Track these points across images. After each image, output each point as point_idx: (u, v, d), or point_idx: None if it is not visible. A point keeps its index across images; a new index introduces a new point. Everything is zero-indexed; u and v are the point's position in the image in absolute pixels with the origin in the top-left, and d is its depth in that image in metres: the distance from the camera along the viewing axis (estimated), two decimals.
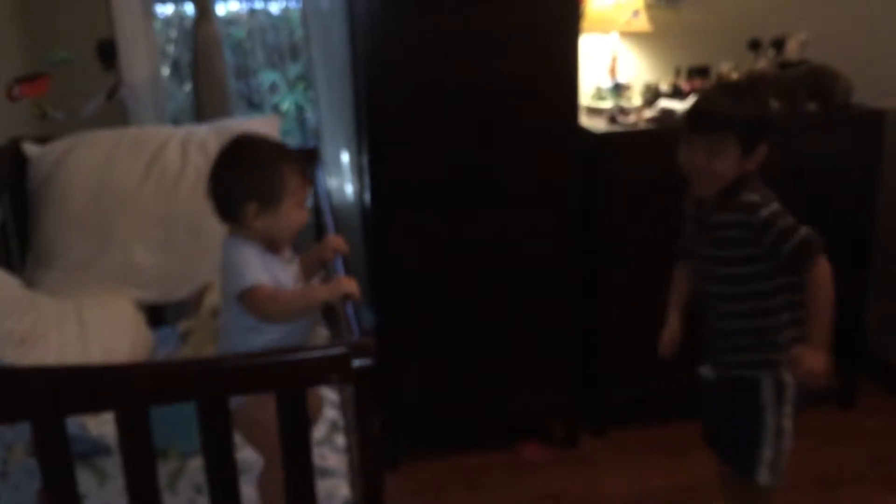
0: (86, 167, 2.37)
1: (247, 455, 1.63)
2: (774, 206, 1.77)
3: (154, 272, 2.39)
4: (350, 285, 1.55)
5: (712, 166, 1.76)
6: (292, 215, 1.56)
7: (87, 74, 2.48)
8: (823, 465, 2.57)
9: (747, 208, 1.76)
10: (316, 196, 2.64)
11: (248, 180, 1.53)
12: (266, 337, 1.54)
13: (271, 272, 1.54)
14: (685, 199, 1.93)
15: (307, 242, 2.14)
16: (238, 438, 1.36)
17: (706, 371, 1.96)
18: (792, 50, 2.66)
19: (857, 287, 2.78)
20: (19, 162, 2.45)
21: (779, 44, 2.70)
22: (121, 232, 2.37)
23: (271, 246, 1.59)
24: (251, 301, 1.50)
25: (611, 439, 2.74)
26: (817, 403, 2.83)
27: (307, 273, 1.74)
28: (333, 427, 2.01)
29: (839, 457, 2.61)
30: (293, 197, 1.55)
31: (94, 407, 1.37)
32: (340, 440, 1.97)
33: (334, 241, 1.82)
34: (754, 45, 2.74)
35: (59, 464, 1.27)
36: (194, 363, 1.36)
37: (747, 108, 1.77)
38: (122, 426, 1.27)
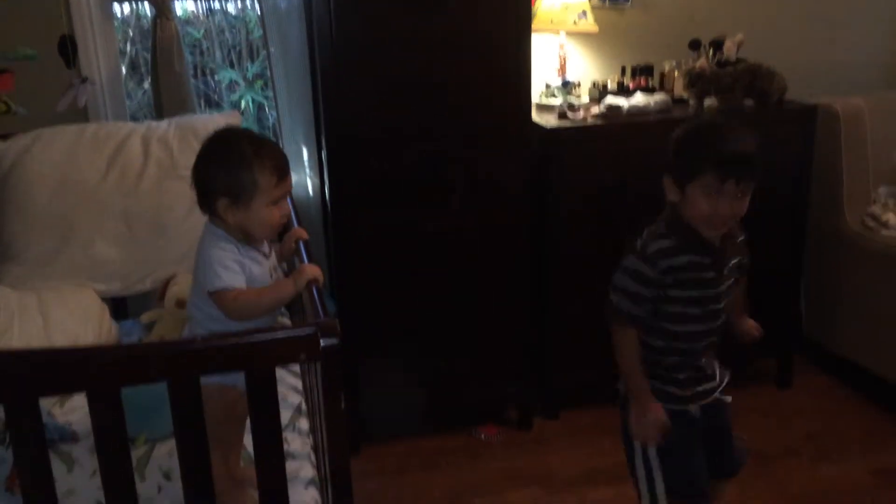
0: (48, 162, 2.40)
1: None
2: None
3: (117, 266, 2.43)
4: (314, 271, 1.61)
5: (743, 209, 1.70)
6: (264, 213, 1.58)
7: (49, 71, 2.50)
8: (761, 441, 2.71)
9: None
10: None
11: (222, 176, 1.57)
12: (231, 327, 1.59)
13: (246, 268, 1.58)
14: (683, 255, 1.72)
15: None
16: None
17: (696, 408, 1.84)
18: (729, 50, 2.80)
19: (792, 273, 2.94)
20: None
21: (717, 44, 2.83)
22: (83, 226, 2.40)
23: (248, 239, 1.62)
24: (221, 302, 1.55)
25: (562, 421, 2.86)
26: (757, 383, 3.02)
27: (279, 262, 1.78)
28: (297, 411, 2.09)
29: (776, 433, 2.76)
30: (265, 196, 1.57)
31: (68, 388, 1.40)
32: (303, 424, 2.05)
33: (296, 231, 1.89)
34: (694, 45, 2.87)
35: (33, 446, 1.31)
36: (166, 344, 1.42)
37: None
38: (95, 408, 1.32)
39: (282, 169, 1.60)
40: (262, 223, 1.60)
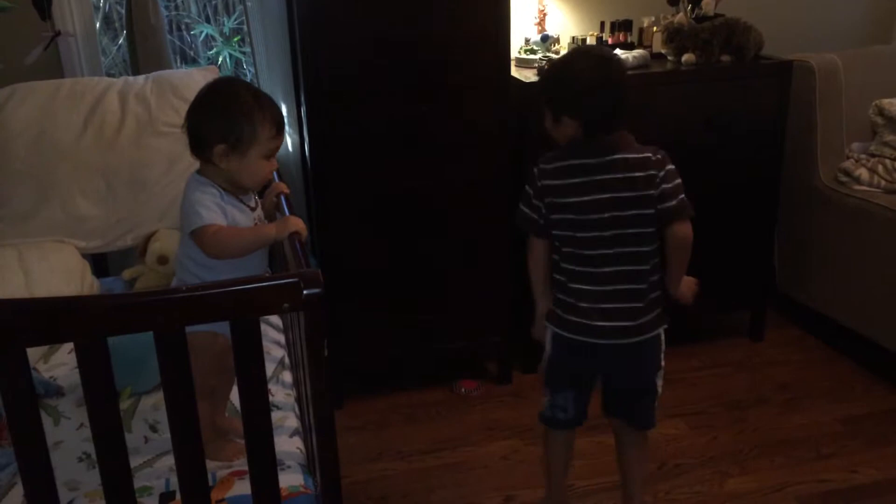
0: (24, 118, 2.37)
1: None
2: None
3: (97, 222, 2.42)
4: (298, 223, 1.63)
5: None
6: (257, 165, 1.61)
7: (24, 24, 2.47)
8: (734, 391, 2.79)
9: None
10: None
11: (221, 123, 1.57)
12: (218, 276, 1.61)
13: (229, 214, 1.60)
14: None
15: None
16: None
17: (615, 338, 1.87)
18: (707, 5, 2.81)
19: (766, 227, 2.99)
20: None
21: None
22: (62, 183, 2.38)
23: (235, 189, 1.64)
24: (200, 239, 1.57)
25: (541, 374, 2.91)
26: (730, 336, 3.10)
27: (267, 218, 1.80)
28: (280, 365, 2.11)
29: (748, 383, 2.84)
30: (262, 147, 1.59)
31: (55, 338, 1.41)
32: (286, 377, 2.08)
33: (277, 185, 1.90)
34: (673, 1, 2.88)
35: (23, 396, 1.32)
36: (151, 294, 1.42)
37: None
38: (82, 357, 1.33)
39: (280, 123, 1.62)
40: (253, 173, 1.62)
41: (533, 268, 1.95)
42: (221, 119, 1.58)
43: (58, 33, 2.54)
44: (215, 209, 1.58)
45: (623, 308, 1.83)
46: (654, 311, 1.86)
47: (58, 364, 2.09)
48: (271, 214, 1.86)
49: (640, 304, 1.84)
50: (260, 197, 1.84)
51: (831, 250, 2.98)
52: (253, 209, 1.69)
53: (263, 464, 1.43)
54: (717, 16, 2.82)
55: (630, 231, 1.80)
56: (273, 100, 1.67)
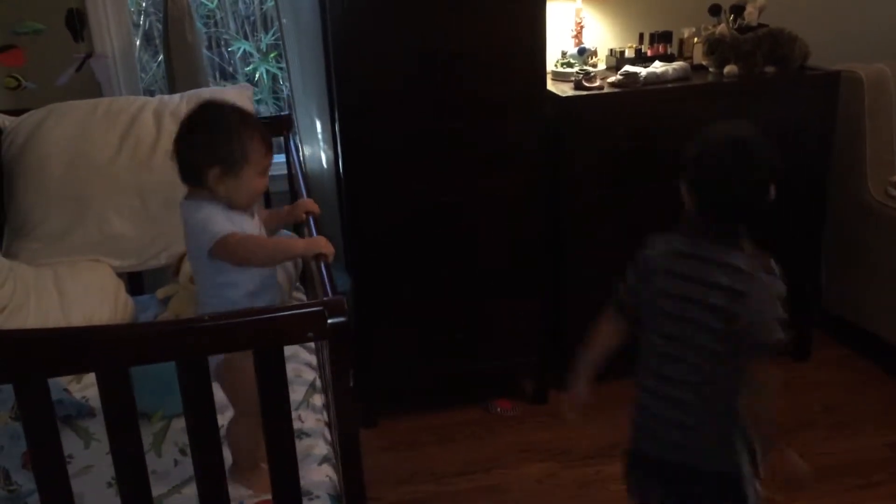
0: (60, 138, 2.39)
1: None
2: None
3: (131, 241, 2.43)
4: (326, 246, 1.61)
5: None
6: (253, 182, 1.60)
7: (58, 45, 2.49)
8: (778, 413, 2.67)
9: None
10: (289, 163, 2.69)
11: (212, 145, 1.57)
12: (241, 290, 1.60)
13: (237, 224, 1.59)
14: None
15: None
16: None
17: None
18: (750, 15, 2.73)
19: (813, 244, 2.89)
20: None
21: (738, 9, 2.76)
22: (97, 202, 2.39)
23: (232, 207, 1.63)
24: (224, 249, 1.54)
25: None
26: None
27: (269, 229, 1.78)
28: (311, 388, 2.09)
29: (793, 405, 2.74)
30: (255, 165, 1.59)
31: (76, 368, 1.41)
32: (317, 401, 2.05)
33: (307, 203, 1.88)
34: (714, 11, 2.80)
35: (42, 424, 1.31)
36: (173, 323, 1.41)
37: None
38: (104, 386, 1.32)
39: (268, 140, 1.62)
40: (248, 192, 1.62)
41: None
42: (211, 141, 1.57)
43: (90, 54, 2.56)
44: (225, 221, 1.57)
45: None
46: None
47: (90, 384, 2.09)
48: (278, 227, 1.84)
49: None
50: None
51: (881, 266, 2.86)
52: (252, 217, 1.69)
53: (288, 492, 1.41)
54: (760, 26, 2.74)
55: None
56: (258, 118, 1.65)
